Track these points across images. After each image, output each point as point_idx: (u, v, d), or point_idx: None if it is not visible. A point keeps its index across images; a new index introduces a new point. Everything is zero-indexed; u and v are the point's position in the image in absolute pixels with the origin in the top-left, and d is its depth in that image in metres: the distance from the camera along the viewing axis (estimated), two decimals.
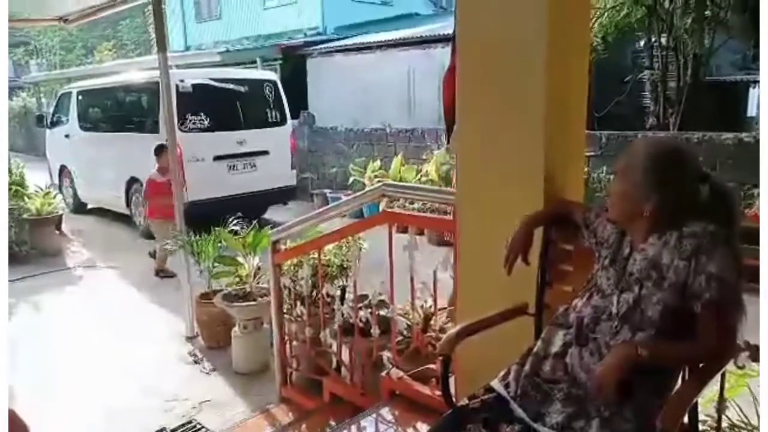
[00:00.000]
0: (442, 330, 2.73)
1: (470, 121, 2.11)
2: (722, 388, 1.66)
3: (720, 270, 1.32)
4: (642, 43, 8.97)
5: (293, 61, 11.78)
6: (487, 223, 2.08)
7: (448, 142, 2.37)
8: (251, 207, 7.19)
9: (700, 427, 1.61)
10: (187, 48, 16.62)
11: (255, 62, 11.69)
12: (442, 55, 8.86)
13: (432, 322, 2.89)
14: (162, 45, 4.41)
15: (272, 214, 8.38)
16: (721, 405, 1.67)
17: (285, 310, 3.31)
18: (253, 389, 3.49)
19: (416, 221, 3.09)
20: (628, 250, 1.50)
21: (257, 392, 3.45)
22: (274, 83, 8.29)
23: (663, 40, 8.30)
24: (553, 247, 1.84)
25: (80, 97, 9.08)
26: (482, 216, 2.12)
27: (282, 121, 8.24)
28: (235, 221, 4.40)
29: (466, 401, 1.60)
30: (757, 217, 3.03)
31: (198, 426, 3.08)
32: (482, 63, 2.04)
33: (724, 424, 1.80)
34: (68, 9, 5.27)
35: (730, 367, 1.57)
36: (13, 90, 18.09)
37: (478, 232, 2.13)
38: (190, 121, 7.25)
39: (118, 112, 8.54)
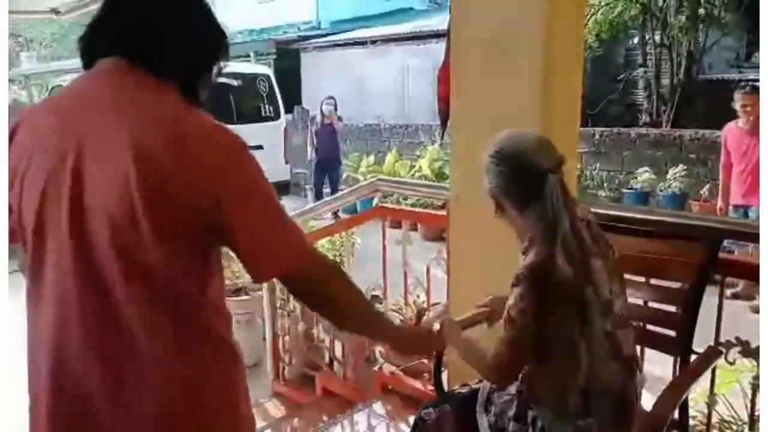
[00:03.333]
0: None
1: (464, 116, 2.11)
2: (713, 383, 1.67)
3: (508, 307, 1.28)
4: (636, 40, 9.00)
5: (287, 56, 11.74)
6: (480, 219, 2.08)
7: (443, 137, 2.37)
8: None
9: (690, 422, 1.62)
10: None
11: (249, 56, 11.63)
12: (436, 50, 8.84)
13: (425, 317, 2.89)
14: None
15: None
16: (711, 400, 1.68)
17: (278, 305, 3.30)
18: None
19: (410, 216, 3.09)
20: None
21: (249, 387, 3.43)
22: (268, 77, 8.25)
23: (657, 38, 8.33)
24: None
25: None
26: (475, 211, 2.12)
27: (275, 116, 8.21)
28: None
29: (456, 388, 1.61)
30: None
31: None
32: (476, 58, 2.03)
33: (714, 419, 1.82)
34: (60, 1, 5.21)
35: (720, 362, 1.58)
36: None
37: (471, 228, 2.13)
38: None
39: None
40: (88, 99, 0.98)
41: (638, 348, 1.72)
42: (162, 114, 0.95)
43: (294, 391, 3.18)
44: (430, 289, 2.69)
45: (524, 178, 1.30)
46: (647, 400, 1.69)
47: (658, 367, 1.79)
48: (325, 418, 2.82)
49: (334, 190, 8.25)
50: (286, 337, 3.28)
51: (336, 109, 8.38)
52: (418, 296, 2.93)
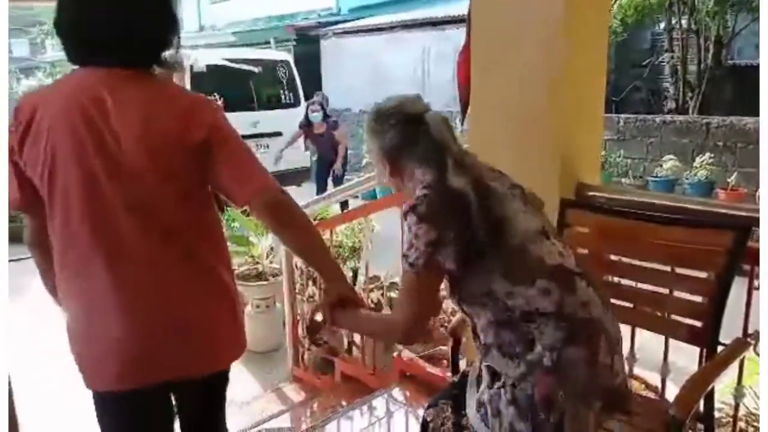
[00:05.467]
0: (453, 312, 2.72)
1: (484, 101, 2.07)
2: (740, 375, 1.63)
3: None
4: (662, 25, 8.78)
5: (307, 42, 11.72)
6: None
7: (463, 124, 2.34)
8: None
9: (716, 414, 1.59)
10: (201, 28, 16.57)
11: (269, 43, 11.63)
12: (457, 36, 8.73)
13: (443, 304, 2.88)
14: None
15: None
16: (738, 392, 1.64)
17: (297, 291, 3.31)
18: (265, 368, 3.51)
19: None
20: None
21: (269, 371, 3.47)
22: (288, 64, 8.24)
23: (684, 23, 8.12)
24: (568, 229, 1.82)
25: None
26: None
27: (295, 103, 8.21)
28: None
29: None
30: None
31: None
32: (497, 42, 2.00)
33: (741, 411, 1.78)
34: None
35: (749, 354, 1.54)
36: (29, 69, 18.17)
37: None
38: None
39: None
40: (94, 90, 1.23)
41: (663, 338, 1.70)
42: (163, 90, 1.29)
43: (313, 376, 3.20)
44: None
45: (409, 125, 1.33)
46: (671, 392, 1.65)
47: (683, 358, 1.76)
48: (344, 402, 2.84)
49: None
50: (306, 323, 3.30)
51: (326, 114, 7.10)
52: None
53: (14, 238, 1.54)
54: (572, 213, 1.82)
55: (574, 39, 1.83)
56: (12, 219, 1.45)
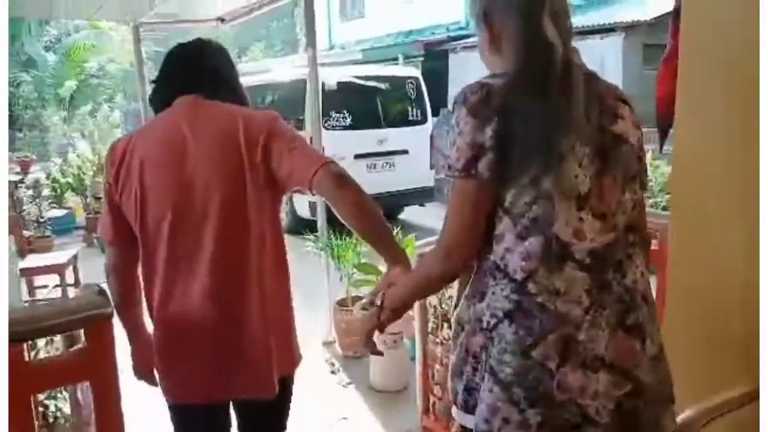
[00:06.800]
0: None
1: (696, 122, 1.61)
2: None
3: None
4: None
5: (435, 57, 11.53)
6: (701, 250, 1.59)
7: (662, 149, 1.88)
8: (389, 207, 7.00)
9: None
10: (332, 47, 17.07)
11: (397, 59, 11.60)
12: (593, 46, 8.10)
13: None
14: (312, 42, 4.36)
15: (408, 215, 8.17)
16: None
17: (429, 330, 2.99)
18: (390, 410, 3.22)
19: None
20: None
21: (395, 414, 3.18)
22: (417, 80, 8.05)
23: None
24: None
25: None
26: (696, 242, 1.63)
27: (422, 120, 7.99)
28: None
29: None
30: None
31: None
32: (720, 44, 1.54)
33: None
34: (220, 10, 5.41)
35: None
36: None
37: (691, 265, 1.64)
38: (334, 118, 7.22)
39: (264, 108, 8.81)
40: (179, 125, 1.45)
41: None
42: (230, 112, 1.48)
43: (444, 430, 2.84)
44: None
45: None
46: None
47: None
48: None
49: None
50: (437, 367, 2.96)
51: None
52: None
53: None
54: None
55: None
56: None
